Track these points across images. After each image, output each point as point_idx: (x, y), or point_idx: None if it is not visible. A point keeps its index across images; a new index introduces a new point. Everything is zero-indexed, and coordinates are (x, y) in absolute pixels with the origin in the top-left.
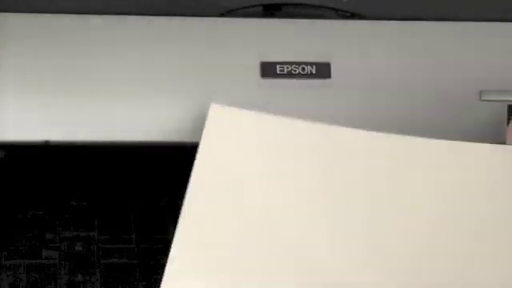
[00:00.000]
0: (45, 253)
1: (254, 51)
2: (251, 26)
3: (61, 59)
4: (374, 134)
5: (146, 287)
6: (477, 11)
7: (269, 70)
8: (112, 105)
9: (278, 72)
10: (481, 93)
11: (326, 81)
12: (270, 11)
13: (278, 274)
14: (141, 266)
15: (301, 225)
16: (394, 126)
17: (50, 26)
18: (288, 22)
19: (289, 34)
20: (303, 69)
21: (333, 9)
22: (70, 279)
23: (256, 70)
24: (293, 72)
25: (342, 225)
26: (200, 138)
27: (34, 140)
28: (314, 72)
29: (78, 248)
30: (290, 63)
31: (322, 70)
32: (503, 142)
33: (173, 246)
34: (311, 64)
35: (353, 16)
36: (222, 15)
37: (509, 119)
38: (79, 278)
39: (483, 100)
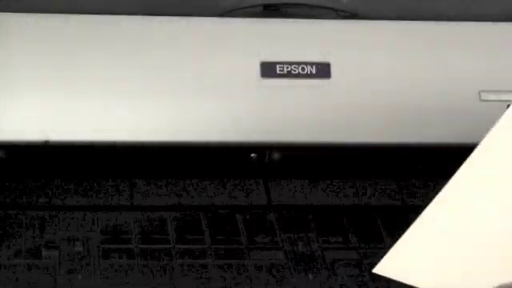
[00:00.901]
0: (45, 253)
1: (253, 51)
2: (251, 26)
3: (61, 59)
4: None
5: (146, 287)
6: (477, 11)
7: (269, 70)
8: (112, 105)
9: (278, 72)
10: (481, 93)
11: (326, 81)
12: (269, 11)
13: None
14: (141, 266)
15: None
16: (394, 126)
17: (49, 26)
18: (288, 21)
19: (289, 34)
20: (303, 69)
21: (332, 9)
22: (70, 279)
23: (256, 70)
24: (293, 72)
25: None
26: (200, 138)
27: (34, 140)
28: (314, 72)
29: (78, 248)
30: (290, 63)
31: (322, 70)
32: None
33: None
34: (311, 64)
35: (353, 16)
36: (221, 15)
37: None
38: (79, 278)
39: (483, 100)
